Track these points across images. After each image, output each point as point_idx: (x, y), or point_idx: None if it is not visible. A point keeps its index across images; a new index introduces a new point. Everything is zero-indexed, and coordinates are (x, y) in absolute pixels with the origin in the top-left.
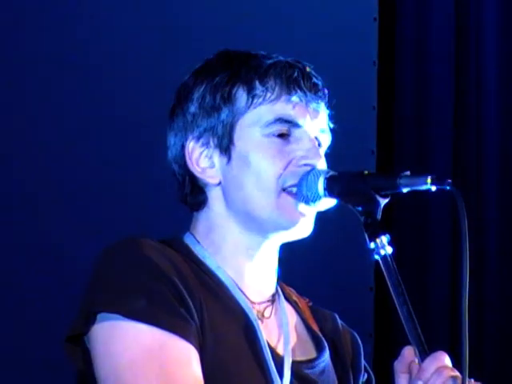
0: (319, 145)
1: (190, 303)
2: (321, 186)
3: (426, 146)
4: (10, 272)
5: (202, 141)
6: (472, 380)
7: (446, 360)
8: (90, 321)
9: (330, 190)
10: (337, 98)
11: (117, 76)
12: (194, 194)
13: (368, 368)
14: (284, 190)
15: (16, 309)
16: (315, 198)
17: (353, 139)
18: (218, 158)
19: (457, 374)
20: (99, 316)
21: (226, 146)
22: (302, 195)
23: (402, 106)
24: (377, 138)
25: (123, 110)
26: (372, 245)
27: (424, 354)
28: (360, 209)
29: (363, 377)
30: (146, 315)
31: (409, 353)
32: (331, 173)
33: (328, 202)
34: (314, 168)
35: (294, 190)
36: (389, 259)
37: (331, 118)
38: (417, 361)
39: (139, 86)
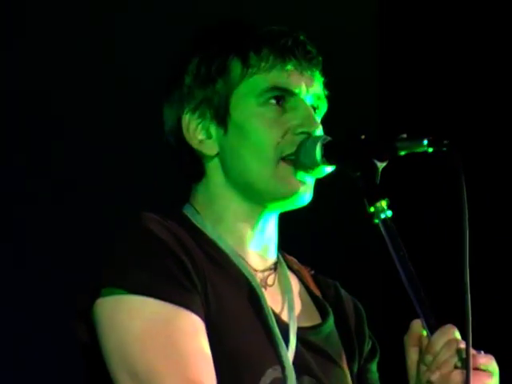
0: (315, 112)
1: (194, 275)
2: (318, 152)
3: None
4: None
5: (198, 112)
6: (482, 352)
7: (455, 333)
8: (95, 296)
9: (328, 157)
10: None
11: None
12: (191, 166)
13: (372, 335)
14: (282, 158)
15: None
16: (313, 165)
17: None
18: (214, 129)
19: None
20: (103, 291)
21: (222, 117)
22: (300, 163)
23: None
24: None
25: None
26: (371, 209)
27: (431, 324)
28: (358, 174)
29: (368, 344)
30: (150, 289)
31: (417, 326)
32: (328, 139)
33: (326, 169)
34: (310, 135)
35: (292, 158)
36: (389, 222)
37: (326, 85)
38: (426, 334)
39: (131, 57)
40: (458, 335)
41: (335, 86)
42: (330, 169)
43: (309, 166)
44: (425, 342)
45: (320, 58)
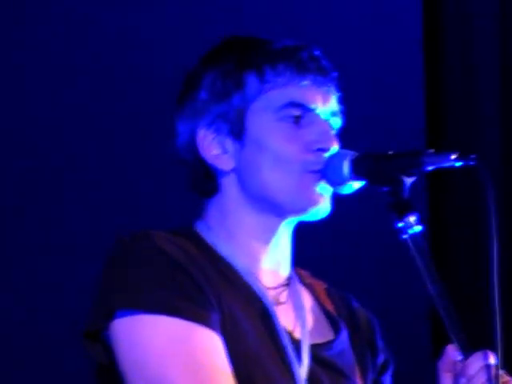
0: (331, 128)
1: (209, 292)
2: (346, 168)
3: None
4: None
5: (213, 127)
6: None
7: (491, 359)
8: (109, 317)
9: (356, 173)
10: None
11: (119, 63)
12: (205, 181)
13: (386, 349)
14: (307, 171)
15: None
16: (342, 181)
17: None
18: (230, 144)
19: (501, 373)
20: (119, 312)
21: (238, 132)
22: (328, 179)
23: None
24: (426, 117)
25: (126, 99)
26: (400, 224)
27: (465, 347)
28: (386, 189)
29: (381, 357)
30: (166, 307)
31: (451, 351)
32: (356, 155)
33: (354, 185)
34: (338, 150)
35: (319, 173)
36: (418, 238)
37: (341, 100)
38: (460, 358)
39: (142, 74)
40: (493, 361)
41: (383, 93)
42: (358, 185)
43: (337, 182)
44: (458, 367)
45: (335, 73)
